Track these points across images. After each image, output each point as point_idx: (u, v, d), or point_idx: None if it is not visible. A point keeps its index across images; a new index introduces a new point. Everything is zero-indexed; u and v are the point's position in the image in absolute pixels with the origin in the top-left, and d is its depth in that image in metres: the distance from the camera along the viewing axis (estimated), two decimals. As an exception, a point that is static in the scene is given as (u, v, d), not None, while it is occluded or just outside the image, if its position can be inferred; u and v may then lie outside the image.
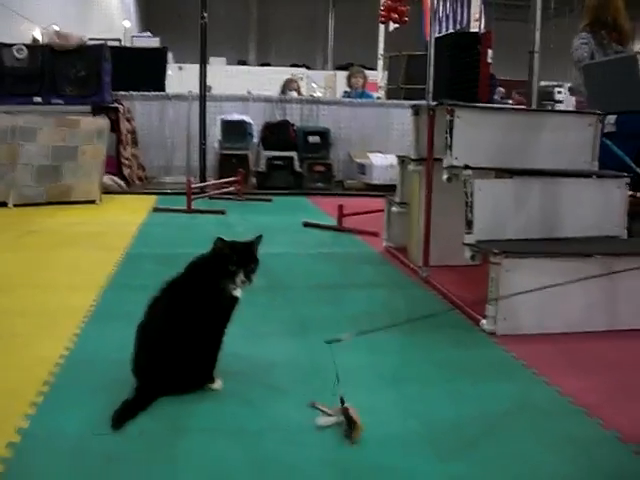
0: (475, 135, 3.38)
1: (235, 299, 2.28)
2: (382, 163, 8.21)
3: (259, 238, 2.32)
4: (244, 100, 8.55)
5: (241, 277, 2.23)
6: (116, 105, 7.86)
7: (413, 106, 4.18)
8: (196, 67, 19.60)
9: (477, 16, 9.75)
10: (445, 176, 3.42)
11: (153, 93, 8.60)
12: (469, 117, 3.39)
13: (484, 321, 2.99)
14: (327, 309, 3.37)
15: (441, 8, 6.71)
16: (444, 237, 3.97)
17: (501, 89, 12.43)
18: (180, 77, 16.33)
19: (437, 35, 14.48)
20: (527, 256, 2.99)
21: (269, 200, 7.11)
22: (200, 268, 2.30)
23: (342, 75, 19.52)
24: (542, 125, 3.48)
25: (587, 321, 3.03)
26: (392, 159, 8.31)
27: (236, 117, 8.03)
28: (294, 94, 9.10)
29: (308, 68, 22.25)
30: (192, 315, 2.23)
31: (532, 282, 2.95)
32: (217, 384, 2.30)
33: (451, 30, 7.04)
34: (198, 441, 1.97)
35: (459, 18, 6.43)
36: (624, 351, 2.87)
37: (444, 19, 6.76)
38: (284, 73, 19.02)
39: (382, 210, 5.98)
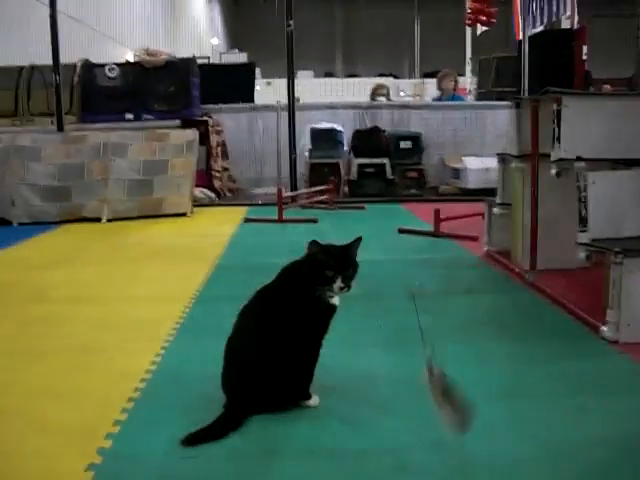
0: (585, 125, 3.08)
1: (333, 307, 2.09)
2: (477, 166, 7.88)
3: (358, 241, 2.12)
4: (332, 108, 8.41)
5: (339, 284, 2.04)
6: (205, 118, 7.87)
7: (515, 99, 3.90)
8: (283, 82, 19.73)
9: (569, 12, 9.31)
10: (554, 170, 3.13)
11: (241, 105, 8.56)
12: (578, 105, 3.10)
13: (604, 328, 2.69)
14: (428, 318, 3.11)
15: (533, 4, 6.34)
16: (551, 239, 3.67)
17: (607, 86, 11.82)
18: (267, 92, 16.46)
19: (529, 34, 14.07)
20: (652, 255, 2.68)
21: (362, 208, 6.91)
22: (293, 274, 2.12)
23: (430, 82, 19.24)
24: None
25: None
26: (487, 162, 7.99)
27: (325, 125, 7.89)
28: (383, 99, 8.90)
29: (395, 77, 22.03)
30: (285, 325, 2.05)
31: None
32: (314, 400, 2.11)
33: (541, 27, 6.66)
34: (294, 464, 1.79)
35: (554, 9, 6.06)
36: None
37: (538, 14, 6.40)
38: (371, 84, 18.92)
39: (480, 214, 5.71)
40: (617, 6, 21.71)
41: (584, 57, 9.53)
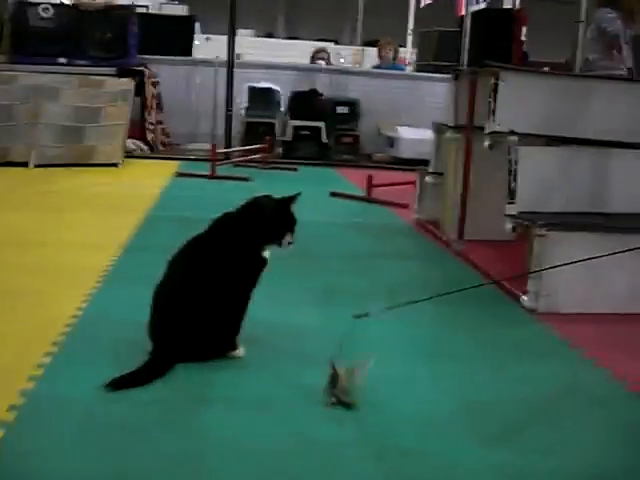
0: (521, 100, 3.15)
1: (265, 261, 2.11)
2: (411, 136, 7.95)
3: (297, 196, 2.15)
4: (272, 68, 8.32)
5: (288, 239, 2.07)
6: (142, 68, 7.67)
7: (454, 70, 3.95)
8: (223, 38, 19.28)
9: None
10: (487, 143, 3.20)
11: (180, 58, 8.37)
12: (515, 81, 3.17)
13: (525, 297, 2.80)
14: (359, 279, 3.19)
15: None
16: (480, 210, 3.76)
17: (546, 69, 12.07)
18: (206, 48, 16.12)
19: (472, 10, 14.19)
20: (575, 229, 2.78)
21: (295, 170, 6.91)
22: (229, 226, 2.12)
23: (370, 51, 19.20)
24: (594, 91, 3.24)
25: (634, 303, 2.83)
26: (422, 133, 8.08)
27: (263, 85, 7.81)
28: (323, 63, 8.86)
29: (336, 43, 21.89)
30: (217, 276, 2.06)
31: (578, 257, 2.75)
32: (240, 351, 2.13)
33: (483, 4, 6.74)
34: (218, 412, 1.81)
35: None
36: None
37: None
38: (312, 47, 18.72)
39: (412, 182, 5.81)
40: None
41: (523, 38, 9.71)
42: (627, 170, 3.10)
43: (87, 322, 2.39)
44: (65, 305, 2.52)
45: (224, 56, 7.38)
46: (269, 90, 7.76)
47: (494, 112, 3.15)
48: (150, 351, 2.05)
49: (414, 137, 7.94)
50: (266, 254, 2.10)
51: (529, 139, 3.07)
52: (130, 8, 7.85)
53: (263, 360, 2.13)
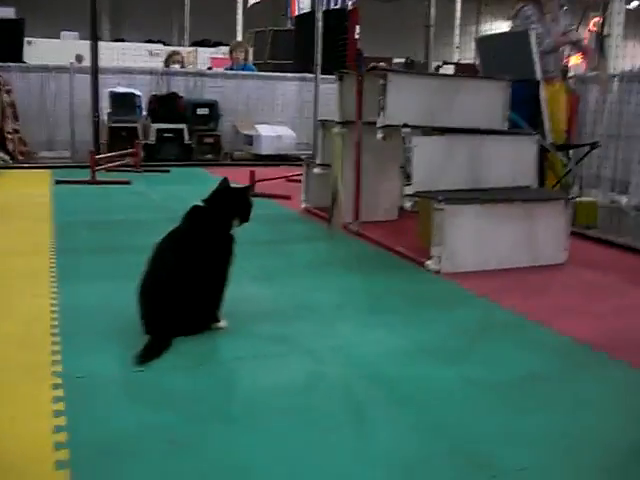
0: (406, 97, 3.72)
1: (234, 238, 2.51)
2: (269, 134, 8.43)
3: (252, 185, 2.55)
4: (128, 72, 8.44)
5: (249, 216, 2.51)
6: (-6, 76, 7.55)
7: (339, 72, 4.44)
8: (45, 42, 18.53)
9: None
10: (380, 135, 3.73)
11: (33, 64, 8.30)
12: (400, 81, 3.72)
13: (429, 262, 3.36)
14: (279, 260, 3.62)
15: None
16: (367, 195, 4.30)
17: (382, 64, 12.95)
18: (29, 52, 15.60)
19: (303, 11, 14.85)
20: (465, 203, 3.38)
21: (167, 171, 7.16)
22: (205, 213, 2.48)
23: (202, 52, 19.41)
24: (462, 88, 3.88)
25: (515, 257, 3.48)
26: (279, 130, 8.60)
27: (124, 89, 7.94)
28: (177, 67, 9.08)
29: (164, 44, 21.83)
30: (200, 257, 2.41)
31: (470, 225, 3.37)
32: (223, 323, 2.50)
33: (336, 5, 7.31)
34: (228, 367, 2.19)
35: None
36: (549, 279, 3.35)
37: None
38: (140, 49, 18.60)
39: (286, 177, 6.31)
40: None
41: (357, 36, 10.47)
42: (495, 152, 3.75)
43: (68, 314, 2.62)
44: (38, 304, 2.73)
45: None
46: (130, 95, 7.91)
47: (384, 108, 3.69)
48: (147, 330, 2.36)
49: (272, 134, 8.43)
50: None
51: (415, 130, 3.63)
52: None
53: (242, 327, 2.50)
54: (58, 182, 6.05)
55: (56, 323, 2.53)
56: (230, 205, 2.49)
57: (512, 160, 3.79)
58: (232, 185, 2.55)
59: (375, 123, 3.75)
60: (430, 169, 3.57)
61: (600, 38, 8.02)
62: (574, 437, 1.78)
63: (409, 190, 3.51)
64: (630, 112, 4.92)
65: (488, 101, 3.94)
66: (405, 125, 3.53)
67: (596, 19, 10.70)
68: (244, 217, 2.52)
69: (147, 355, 2.21)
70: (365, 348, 2.36)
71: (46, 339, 2.36)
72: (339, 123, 4.37)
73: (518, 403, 1.98)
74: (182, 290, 2.37)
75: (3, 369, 2.12)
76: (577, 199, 4.44)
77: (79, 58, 12.88)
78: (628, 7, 13.71)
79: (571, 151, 5.02)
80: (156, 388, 2.02)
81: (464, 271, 3.33)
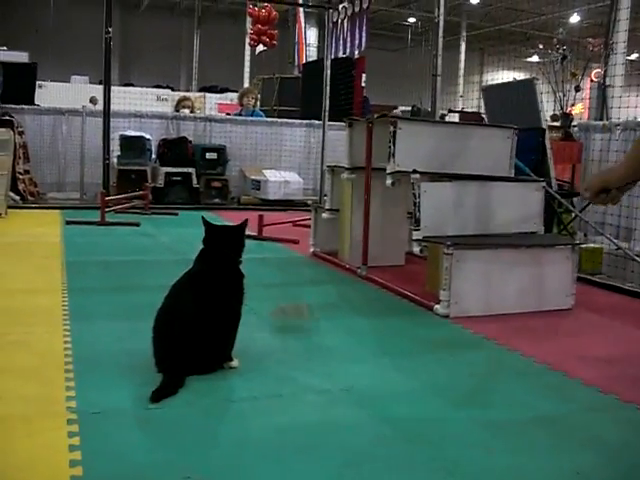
0: (415, 144, 3.80)
1: (243, 274, 2.57)
2: (277, 179, 8.54)
3: (246, 222, 2.59)
4: (139, 117, 8.59)
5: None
6: (8, 118, 7.69)
7: (349, 119, 4.54)
8: (56, 85, 18.80)
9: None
10: (389, 181, 3.80)
11: (45, 107, 8.48)
12: (409, 128, 3.81)
13: (438, 306, 3.39)
14: (290, 302, 3.65)
15: (341, 31, 7.10)
16: (375, 240, 4.36)
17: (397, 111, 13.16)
18: (40, 94, 15.88)
19: (310, 59, 15.15)
20: (472, 248, 3.44)
21: (175, 214, 7.25)
22: (217, 253, 2.52)
23: (210, 97, 19.73)
24: (470, 136, 3.97)
25: (521, 302, 3.51)
26: (286, 175, 8.72)
27: (134, 133, 8.08)
28: (187, 111, 9.24)
29: (172, 89, 22.20)
30: (215, 297, 2.45)
31: (478, 270, 3.42)
32: (235, 362, 2.53)
33: (344, 54, 7.48)
34: (244, 407, 2.21)
35: (357, 42, 6.89)
36: (557, 323, 3.39)
37: (341, 45, 7.17)
38: (148, 94, 18.91)
39: (293, 222, 6.38)
40: (382, 41, 23.90)
41: (363, 84, 10.66)
42: (502, 198, 3.82)
43: (81, 352, 2.65)
44: (52, 341, 2.76)
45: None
46: (140, 138, 8.04)
47: (394, 155, 3.77)
48: (161, 369, 2.39)
49: (279, 179, 8.55)
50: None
51: (424, 176, 3.70)
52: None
53: (255, 368, 2.53)
54: (68, 222, 6.13)
55: (70, 360, 2.57)
56: (240, 241, 2.55)
57: (519, 206, 3.86)
58: (227, 224, 2.60)
59: (383, 169, 3.82)
60: (438, 215, 3.63)
61: (602, 88, 8.18)
62: (586, 476, 1.80)
63: (417, 235, 3.56)
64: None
65: (495, 148, 4.03)
66: (414, 171, 3.60)
67: (598, 70, 10.91)
68: (239, 254, 2.56)
69: (162, 393, 2.24)
70: (376, 389, 2.38)
71: (60, 375, 2.40)
72: (348, 169, 4.46)
73: (527, 443, 2.00)
74: (196, 329, 2.41)
75: (18, 403, 2.15)
76: (583, 245, 4.49)
77: (94, 100, 13.11)
78: (629, 58, 13.99)
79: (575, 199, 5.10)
80: (171, 425, 2.05)
81: (472, 315, 3.37)
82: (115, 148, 8.01)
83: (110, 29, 6.87)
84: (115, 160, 7.95)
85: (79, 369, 2.47)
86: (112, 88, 7.94)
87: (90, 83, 21.50)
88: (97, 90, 22.10)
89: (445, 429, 2.07)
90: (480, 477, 1.78)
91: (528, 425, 2.13)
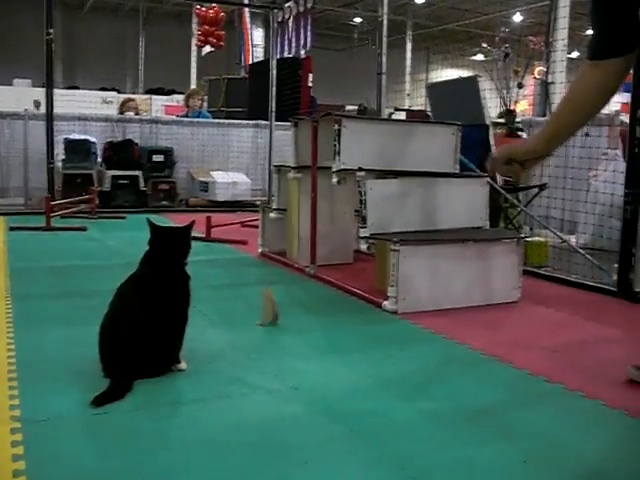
0: (359, 142, 3.82)
1: (189, 276, 2.54)
2: (225, 180, 8.50)
3: (192, 224, 2.57)
4: (83, 119, 8.44)
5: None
6: (-55, 124, 7.49)
7: (294, 118, 4.54)
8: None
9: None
10: (335, 179, 3.81)
11: (-16, 112, 8.28)
12: (354, 126, 3.83)
13: (386, 302, 3.42)
14: (238, 304, 3.64)
15: (287, 31, 7.11)
16: (321, 238, 4.37)
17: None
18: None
19: (257, 60, 15.10)
20: (419, 244, 3.47)
21: (123, 217, 7.15)
22: (162, 255, 2.49)
23: (157, 99, 19.51)
24: (415, 133, 4.00)
25: (467, 297, 3.56)
26: (234, 176, 8.68)
27: (79, 136, 7.94)
28: (132, 113, 9.11)
29: (118, 92, 21.89)
30: (160, 300, 2.42)
31: (424, 266, 3.45)
32: (183, 364, 2.51)
33: (290, 54, 7.49)
34: (194, 408, 2.19)
35: (302, 42, 6.89)
36: (503, 316, 3.44)
37: (286, 45, 7.17)
38: (94, 97, 18.61)
39: (242, 223, 6.36)
40: (329, 40, 23.98)
41: (310, 84, 10.69)
42: (447, 194, 3.87)
43: (25, 359, 2.59)
44: (-5, 349, 2.71)
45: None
46: (85, 141, 7.91)
47: (339, 153, 3.78)
48: (108, 374, 2.36)
49: (227, 181, 8.51)
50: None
51: (369, 173, 3.72)
52: None
53: (202, 370, 2.51)
54: (12, 229, 6.00)
55: (13, 367, 2.51)
56: (186, 241, 2.52)
57: (464, 201, 3.91)
58: (173, 225, 2.58)
59: (330, 168, 3.83)
60: (385, 211, 3.65)
61: (545, 85, 8.35)
62: (533, 466, 1.83)
63: (365, 232, 3.58)
64: (575, 155, 5.12)
65: (440, 145, 4.07)
66: (360, 169, 3.62)
67: (540, 67, 11.13)
68: (185, 256, 2.54)
69: (107, 397, 2.20)
70: (326, 386, 2.39)
71: (3, 383, 2.34)
72: (294, 168, 4.46)
73: (477, 435, 2.02)
74: (143, 332, 2.38)
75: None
76: (528, 239, 4.57)
77: (37, 104, 12.84)
78: (570, 56, 14.32)
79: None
80: (119, 430, 2.02)
81: (421, 310, 3.40)
82: (60, 152, 7.86)
83: (51, 30, 6.75)
84: (60, 164, 7.80)
85: (23, 376, 2.42)
86: (56, 91, 7.82)
87: (33, 86, 21.10)
88: (40, 93, 21.72)
89: (395, 423, 2.09)
90: (431, 470, 1.80)
91: (477, 416, 2.16)
